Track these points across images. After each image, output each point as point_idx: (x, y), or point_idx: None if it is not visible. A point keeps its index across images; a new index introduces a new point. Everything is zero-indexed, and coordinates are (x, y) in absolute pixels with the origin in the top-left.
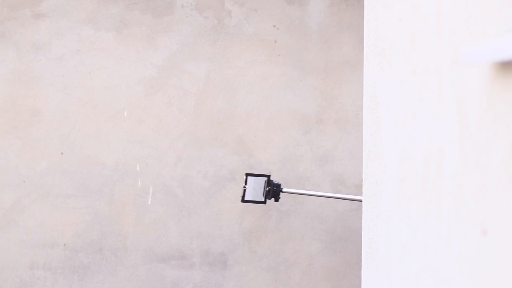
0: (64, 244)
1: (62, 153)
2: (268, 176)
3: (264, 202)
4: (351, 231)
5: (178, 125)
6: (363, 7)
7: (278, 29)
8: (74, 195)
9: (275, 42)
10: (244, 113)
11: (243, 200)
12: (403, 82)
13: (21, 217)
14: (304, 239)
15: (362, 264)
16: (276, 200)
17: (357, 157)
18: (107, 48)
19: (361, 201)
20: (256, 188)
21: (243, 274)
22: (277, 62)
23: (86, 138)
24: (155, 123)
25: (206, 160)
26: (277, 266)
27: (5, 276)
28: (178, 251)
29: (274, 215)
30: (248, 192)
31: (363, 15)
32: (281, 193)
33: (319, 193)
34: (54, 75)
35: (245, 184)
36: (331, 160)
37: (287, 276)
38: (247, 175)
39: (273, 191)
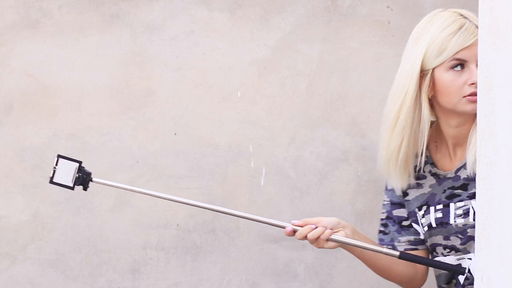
0: (177, 225)
1: (175, 134)
2: (80, 163)
3: (72, 188)
4: None
5: (291, 105)
6: None
7: (391, 9)
8: (187, 175)
9: (389, 23)
10: (357, 94)
11: (51, 181)
12: None
13: (134, 197)
14: None
15: (476, 246)
16: (85, 189)
17: None
18: (220, 29)
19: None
20: (67, 172)
21: None
22: (391, 43)
23: (199, 119)
24: (268, 104)
25: (319, 141)
26: None
27: (118, 256)
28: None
29: None
30: (58, 174)
31: None
32: (90, 182)
33: (150, 192)
34: (167, 56)
35: (56, 165)
36: None
37: None
38: (59, 156)
39: (82, 178)
